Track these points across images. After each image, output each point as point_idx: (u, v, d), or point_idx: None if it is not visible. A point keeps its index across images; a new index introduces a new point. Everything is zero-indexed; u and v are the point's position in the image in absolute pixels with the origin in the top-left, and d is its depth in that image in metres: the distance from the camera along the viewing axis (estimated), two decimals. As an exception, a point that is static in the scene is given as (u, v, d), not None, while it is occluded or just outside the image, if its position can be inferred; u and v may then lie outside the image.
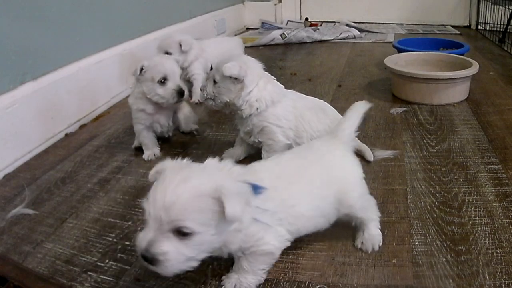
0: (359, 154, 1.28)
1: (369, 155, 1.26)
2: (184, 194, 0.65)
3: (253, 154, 1.27)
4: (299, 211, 0.79)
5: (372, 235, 0.90)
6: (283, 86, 1.20)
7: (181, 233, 0.65)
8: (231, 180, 0.70)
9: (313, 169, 0.83)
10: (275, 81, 1.19)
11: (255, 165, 0.83)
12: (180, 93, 1.26)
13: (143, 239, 0.66)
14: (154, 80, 1.25)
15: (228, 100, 1.14)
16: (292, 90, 1.23)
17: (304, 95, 1.25)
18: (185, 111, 1.41)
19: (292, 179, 0.80)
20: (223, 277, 0.82)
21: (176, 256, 0.66)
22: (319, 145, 0.90)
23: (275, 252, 0.78)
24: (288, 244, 0.80)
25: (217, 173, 0.72)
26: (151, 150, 1.33)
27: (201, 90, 1.20)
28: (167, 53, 1.75)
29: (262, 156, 1.19)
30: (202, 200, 0.66)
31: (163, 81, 1.25)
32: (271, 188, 0.75)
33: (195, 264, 0.69)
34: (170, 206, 0.64)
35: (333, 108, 1.24)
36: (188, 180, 0.67)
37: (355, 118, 0.92)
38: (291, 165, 0.84)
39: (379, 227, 0.91)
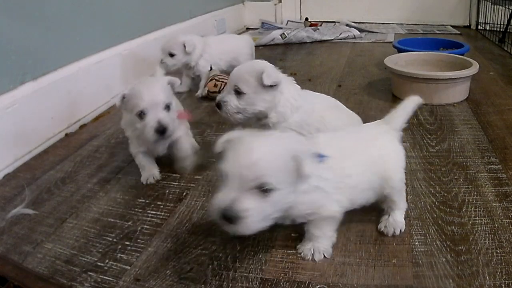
0: None
1: None
2: (267, 154, 0.73)
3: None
4: (355, 182, 0.86)
5: (397, 221, 0.95)
6: (299, 86, 1.16)
7: (262, 190, 0.71)
8: (301, 145, 0.78)
9: (367, 146, 0.90)
10: (294, 82, 1.15)
11: (315, 136, 0.90)
12: (159, 131, 1.07)
13: (224, 198, 0.71)
14: (132, 113, 1.09)
15: (261, 110, 1.09)
16: (305, 89, 1.20)
17: (317, 93, 1.23)
18: (183, 145, 1.21)
19: (348, 152, 0.87)
20: (298, 246, 0.89)
21: (258, 213, 0.72)
22: (373, 127, 0.97)
23: (337, 216, 0.85)
24: (344, 210, 0.86)
25: (287, 140, 0.79)
26: (149, 172, 1.19)
27: (219, 107, 1.11)
28: (171, 54, 1.79)
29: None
30: (282, 160, 0.73)
31: (141, 115, 1.08)
32: (332, 158, 0.81)
33: (268, 223, 0.76)
34: (254, 164, 0.71)
35: (343, 105, 1.23)
36: (268, 142, 0.76)
37: (408, 110, 0.98)
38: (347, 140, 0.92)
39: (404, 216, 0.96)
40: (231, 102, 1.09)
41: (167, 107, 1.10)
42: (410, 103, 0.99)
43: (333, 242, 0.89)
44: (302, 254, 0.88)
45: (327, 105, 1.19)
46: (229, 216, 0.70)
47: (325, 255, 0.87)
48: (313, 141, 0.86)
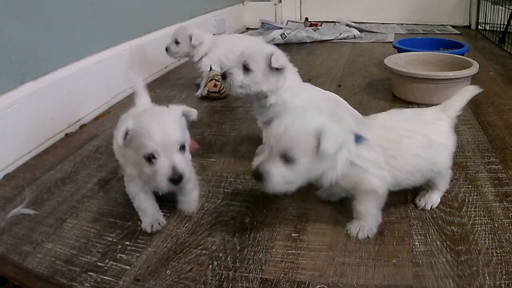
0: None
1: None
2: (293, 129, 0.82)
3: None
4: (400, 163, 0.90)
5: (432, 197, 1.02)
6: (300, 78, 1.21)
7: (285, 159, 0.82)
8: (335, 124, 0.85)
9: (421, 131, 0.94)
10: (297, 73, 1.20)
11: (374, 116, 0.98)
12: (174, 180, 0.86)
13: (256, 161, 0.85)
14: (139, 154, 0.87)
15: (263, 90, 1.14)
16: (308, 83, 1.23)
17: (318, 88, 1.25)
18: (192, 196, 1.03)
19: (399, 135, 0.92)
20: (347, 223, 0.96)
21: (277, 176, 0.83)
22: (430, 113, 1.00)
23: (377, 189, 0.90)
24: (388, 187, 0.91)
25: (316, 117, 0.85)
26: (152, 217, 0.98)
27: (224, 77, 1.15)
28: (176, 42, 1.84)
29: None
30: (306, 136, 0.82)
31: (150, 158, 0.86)
32: (376, 139, 0.90)
33: (293, 188, 0.85)
34: (281, 137, 0.82)
35: (343, 100, 1.25)
36: (299, 118, 0.84)
37: (463, 99, 1.04)
38: (401, 123, 0.95)
39: (441, 196, 1.03)
40: (237, 75, 1.13)
41: (182, 148, 0.89)
42: (466, 94, 1.05)
43: (379, 221, 0.93)
44: (348, 232, 0.94)
45: (325, 97, 1.22)
46: (256, 175, 0.84)
47: (369, 235, 0.93)
48: (363, 123, 0.95)
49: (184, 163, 0.88)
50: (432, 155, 0.93)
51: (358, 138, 0.88)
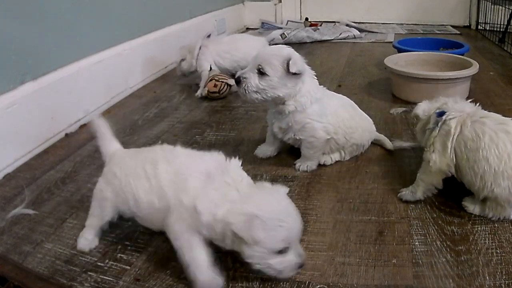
0: (379, 145, 1.34)
1: (389, 145, 1.31)
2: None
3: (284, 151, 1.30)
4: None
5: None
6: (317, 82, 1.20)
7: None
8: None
9: None
10: (314, 76, 1.18)
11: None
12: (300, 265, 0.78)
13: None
14: (268, 249, 0.73)
15: (280, 96, 1.10)
16: (322, 86, 1.22)
17: (333, 92, 1.26)
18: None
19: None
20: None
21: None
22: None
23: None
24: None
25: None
26: (209, 275, 0.79)
27: (238, 82, 1.11)
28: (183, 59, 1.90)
29: (302, 153, 1.20)
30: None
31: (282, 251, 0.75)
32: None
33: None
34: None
35: (357, 106, 1.28)
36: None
37: None
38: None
39: None
40: (252, 80, 1.09)
41: None
42: None
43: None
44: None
45: (342, 103, 1.23)
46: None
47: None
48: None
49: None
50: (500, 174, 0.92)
51: (440, 114, 1.01)
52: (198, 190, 0.77)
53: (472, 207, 0.98)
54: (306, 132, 1.16)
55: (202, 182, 0.78)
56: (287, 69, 1.07)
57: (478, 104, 1.04)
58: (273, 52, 1.10)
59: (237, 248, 0.75)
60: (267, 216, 0.72)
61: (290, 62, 1.06)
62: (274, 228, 0.72)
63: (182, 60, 1.91)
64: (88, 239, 0.92)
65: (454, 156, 0.98)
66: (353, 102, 1.27)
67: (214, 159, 0.86)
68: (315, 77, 1.18)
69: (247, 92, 1.10)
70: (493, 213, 0.96)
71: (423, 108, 1.09)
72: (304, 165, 1.20)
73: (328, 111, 1.16)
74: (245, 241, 0.72)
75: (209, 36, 1.98)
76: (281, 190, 0.82)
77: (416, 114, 1.09)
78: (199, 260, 0.77)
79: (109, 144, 0.94)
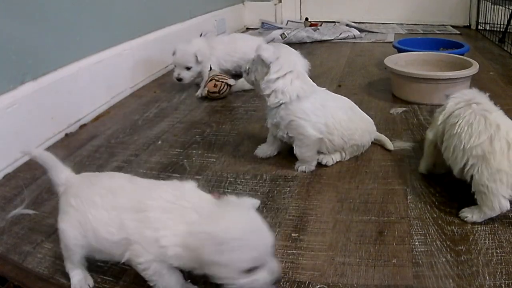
0: (379, 145, 1.34)
1: (390, 145, 1.31)
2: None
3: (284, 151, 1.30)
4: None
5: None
6: (314, 84, 1.19)
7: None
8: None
9: None
10: (307, 78, 1.18)
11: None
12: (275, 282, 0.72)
13: None
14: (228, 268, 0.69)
15: (254, 79, 1.18)
16: (324, 88, 1.23)
17: (334, 94, 1.26)
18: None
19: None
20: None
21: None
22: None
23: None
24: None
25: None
26: None
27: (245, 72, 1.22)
28: (187, 67, 1.83)
29: (294, 152, 1.20)
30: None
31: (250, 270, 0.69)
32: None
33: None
34: None
35: (358, 107, 1.28)
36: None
37: None
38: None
39: None
40: (248, 63, 1.21)
41: None
42: None
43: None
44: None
45: (341, 106, 1.22)
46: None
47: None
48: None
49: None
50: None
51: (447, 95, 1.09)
52: (159, 222, 0.72)
53: (471, 215, 0.96)
54: (293, 129, 1.16)
55: (162, 212, 0.73)
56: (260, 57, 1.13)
57: (488, 94, 1.09)
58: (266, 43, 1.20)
59: (206, 271, 0.71)
60: (228, 236, 0.66)
61: (258, 47, 1.13)
62: (238, 248, 0.67)
63: (188, 68, 1.84)
64: (80, 276, 0.83)
65: (442, 131, 1.05)
66: (354, 104, 1.27)
67: (170, 186, 0.82)
68: (308, 77, 1.18)
69: (244, 71, 1.22)
70: (485, 208, 0.94)
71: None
72: (302, 166, 1.21)
73: (322, 111, 1.16)
74: (210, 263, 0.68)
75: (201, 35, 1.96)
76: (247, 204, 0.74)
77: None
78: (173, 286, 0.76)
79: (61, 173, 0.88)
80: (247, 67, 1.20)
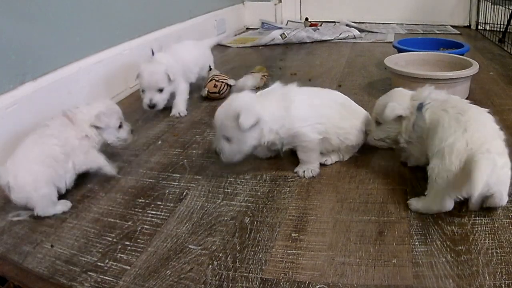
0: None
1: None
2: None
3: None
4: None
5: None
6: (281, 85, 1.19)
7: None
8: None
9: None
10: (269, 92, 1.17)
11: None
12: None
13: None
14: None
15: (253, 144, 1.13)
16: (307, 87, 1.23)
17: (321, 90, 1.25)
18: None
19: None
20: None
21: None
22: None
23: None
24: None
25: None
26: None
27: (218, 154, 1.14)
28: (160, 90, 1.55)
29: (299, 158, 1.20)
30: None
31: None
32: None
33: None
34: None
35: (351, 100, 1.27)
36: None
37: None
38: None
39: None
40: (225, 149, 1.12)
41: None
42: None
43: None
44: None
45: (330, 104, 1.20)
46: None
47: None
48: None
49: None
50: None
51: (421, 105, 1.09)
52: None
53: (415, 203, 1.02)
54: (296, 139, 1.16)
55: None
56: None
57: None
58: (225, 115, 1.11)
59: None
60: None
61: (239, 122, 1.06)
62: None
63: (161, 90, 1.55)
64: None
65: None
66: (343, 97, 1.25)
67: None
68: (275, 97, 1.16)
69: (229, 159, 1.14)
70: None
71: (395, 107, 1.12)
72: (308, 170, 1.19)
73: (310, 112, 1.15)
74: None
75: (152, 53, 1.70)
76: None
77: (397, 114, 1.11)
78: None
79: None
80: (219, 148, 1.13)
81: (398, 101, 1.13)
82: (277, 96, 1.16)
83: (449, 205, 0.97)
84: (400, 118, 1.12)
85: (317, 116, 1.16)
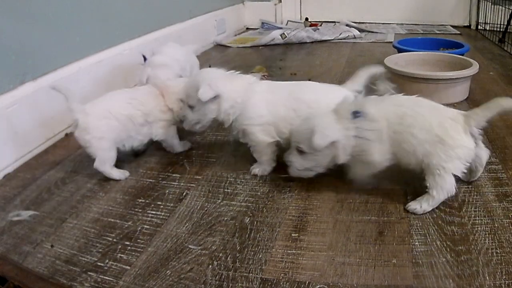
0: None
1: None
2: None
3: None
4: (399, 140, 1.01)
5: (422, 203, 1.01)
6: (249, 76, 1.19)
7: (300, 151, 1.05)
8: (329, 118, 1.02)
9: (426, 117, 1.00)
10: (239, 76, 1.18)
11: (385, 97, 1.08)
12: None
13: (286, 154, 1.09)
14: None
15: (212, 117, 1.15)
16: (265, 81, 1.23)
17: (279, 83, 1.22)
18: None
19: (404, 112, 1.01)
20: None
21: (297, 164, 1.07)
22: (446, 109, 1.04)
23: (374, 162, 1.02)
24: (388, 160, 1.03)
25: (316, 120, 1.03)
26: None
27: (181, 121, 1.18)
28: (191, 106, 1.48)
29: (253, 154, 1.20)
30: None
31: None
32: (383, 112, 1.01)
33: (311, 174, 1.09)
34: (296, 133, 1.07)
35: (312, 88, 1.21)
36: (307, 121, 1.05)
37: (491, 110, 1.00)
38: (412, 105, 1.03)
39: (431, 205, 1.01)
40: (188, 116, 1.16)
41: None
42: (497, 105, 0.99)
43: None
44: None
45: (285, 100, 1.14)
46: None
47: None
48: (377, 99, 1.06)
49: None
50: (428, 144, 0.96)
51: (356, 113, 0.99)
52: None
53: (419, 206, 1.00)
54: (245, 137, 1.16)
55: None
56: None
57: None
58: (190, 84, 1.15)
59: None
60: None
61: (199, 93, 1.09)
62: None
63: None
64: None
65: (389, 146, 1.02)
66: (302, 88, 1.19)
67: None
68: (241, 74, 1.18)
69: (191, 127, 1.18)
70: (438, 191, 0.98)
71: (326, 132, 1.00)
72: (256, 169, 1.19)
73: (265, 109, 1.13)
74: None
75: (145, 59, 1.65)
76: None
77: (330, 141, 0.99)
78: None
79: None
80: (182, 115, 1.17)
81: (324, 124, 1.00)
82: (244, 82, 1.16)
83: (455, 184, 0.99)
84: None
85: (273, 116, 1.12)
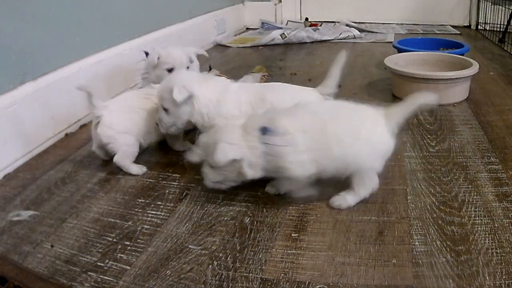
0: None
1: None
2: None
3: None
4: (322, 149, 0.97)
5: (346, 198, 1.03)
6: (224, 78, 1.21)
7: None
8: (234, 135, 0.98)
9: (349, 120, 0.99)
10: (212, 78, 1.19)
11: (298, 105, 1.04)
12: None
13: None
14: None
15: (187, 119, 1.16)
16: (241, 81, 1.24)
17: (253, 85, 1.24)
18: None
19: (324, 120, 0.98)
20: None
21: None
22: (368, 109, 1.02)
23: (297, 175, 0.97)
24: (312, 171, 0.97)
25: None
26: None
27: (156, 124, 1.18)
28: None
29: None
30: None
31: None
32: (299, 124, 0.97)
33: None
34: (204, 151, 1.02)
35: (280, 89, 1.23)
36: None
37: (408, 107, 1.02)
38: (331, 110, 1.03)
39: (355, 201, 1.03)
40: (163, 119, 1.16)
41: None
42: (411, 103, 1.02)
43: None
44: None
45: (253, 100, 1.16)
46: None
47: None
48: (289, 109, 1.01)
49: None
50: (357, 146, 0.95)
51: (264, 130, 0.95)
52: None
53: (344, 201, 1.02)
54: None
55: None
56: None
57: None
58: (164, 86, 1.15)
59: None
60: None
61: (173, 95, 1.09)
62: None
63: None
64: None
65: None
66: (269, 90, 1.20)
67: None
68: (211, 84, 1.17)
69: (167, 129, 1.18)
70: (364, 189, 1.00)
71: (228, 149, 0.95)
72: None
73: (237, 109, 1.15)
74: None
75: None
76: None
77: (230, 159, 0.95)
78: None
79: None
80: (158, 118, 1.16)
81: (228, 139, 0.96)
82: (217, 84, 1.18)
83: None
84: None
85: (244, 116, 1.10)
